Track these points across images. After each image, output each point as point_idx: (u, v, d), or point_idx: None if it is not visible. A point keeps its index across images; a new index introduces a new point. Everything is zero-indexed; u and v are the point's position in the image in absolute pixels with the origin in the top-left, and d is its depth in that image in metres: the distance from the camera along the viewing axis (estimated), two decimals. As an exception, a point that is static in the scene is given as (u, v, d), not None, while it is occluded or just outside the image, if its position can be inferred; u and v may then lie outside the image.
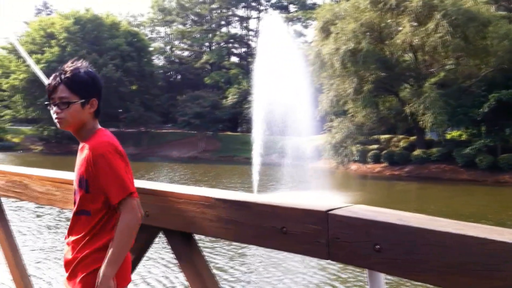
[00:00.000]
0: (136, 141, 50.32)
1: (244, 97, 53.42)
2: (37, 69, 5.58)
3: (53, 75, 2.21)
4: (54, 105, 2.16)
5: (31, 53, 44.71)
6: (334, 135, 32.29)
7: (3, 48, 56.88)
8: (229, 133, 54.30)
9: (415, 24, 29.74)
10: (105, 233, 2.22)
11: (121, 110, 53.24)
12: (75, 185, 2.27)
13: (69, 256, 2.24)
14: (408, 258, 1.66)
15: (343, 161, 32.53)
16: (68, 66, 2.21)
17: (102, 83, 2.31)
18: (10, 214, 4.69)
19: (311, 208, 1.94)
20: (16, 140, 53.32)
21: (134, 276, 2.63)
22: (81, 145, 2.26)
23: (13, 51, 54.36)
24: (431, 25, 28.43)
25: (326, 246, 1.89)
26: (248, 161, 31.71)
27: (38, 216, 15.41)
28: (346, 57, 29.81)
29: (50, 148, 50.69)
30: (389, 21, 31.81)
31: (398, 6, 29.85)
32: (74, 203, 2.29)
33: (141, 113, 52.38)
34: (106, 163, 2.12)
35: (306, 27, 67.17)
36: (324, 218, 1.89)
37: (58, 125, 2.20)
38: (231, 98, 56.42)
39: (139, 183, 2.76)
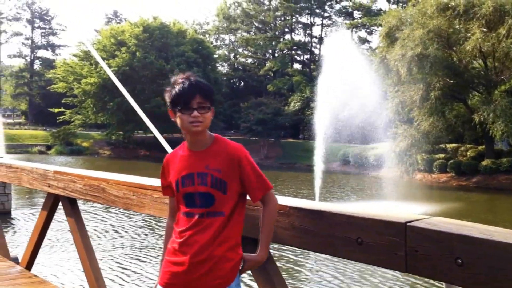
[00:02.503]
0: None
1: (307, 104, 53.28)
2: (110, 72, 5.80)
3: (183, 83, 2.30)
4: (192, 110, 2.26)
5: (102, 59, 46.29)
6: (398, 143, 31.58)
7: (75, 55, 59.32)
8: (291, 140, 54.25)
9: (485, 30, 28.75)
10: (236, 233, 2.31)
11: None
12: (200, 188, 2.28)
13: (199, 256, 2.25)
14: (492, 275, 1.62)
15: (408, 170, 31.77)
16: (191, 76, 2.32)
17: None
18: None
19: (389, 220, 1.92)
20: (85, 144, 55.35)
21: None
22: (194, 152, 2.33)
23: (84, 58, 56.69)
24: (502, 31, 27.41)
25: (404, 258, 1.87)
26: (309, 168, 31.55)
27: (103, 220, 15.92)
28: (413, 63, 29.18)
29: (117, 153, 52.30)
30: (457, 27, 30.91)
31: (467, 12, 28.94)
32: (185, 205, 2.32)
33: (205, 119, 53.21)
34: (249, 163, 2.30)
35: (370, 33, 66.37)
36: (402, 229, 1.87)
37: (194, 128, 2.27)
38: (293, 105, 56.39)
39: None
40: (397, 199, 22.08)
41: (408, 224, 1.86)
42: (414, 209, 19.04)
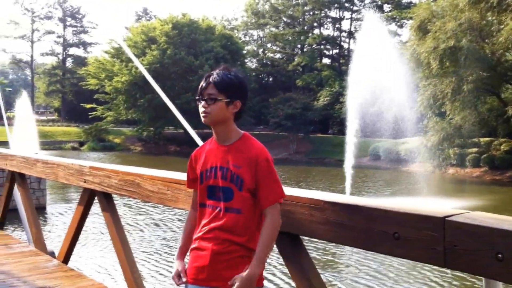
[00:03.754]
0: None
1: (336, 98, 52.94)
2: (143, 68, 5.87)
3: (205, 76, 2.40)
4: (203, 100, 2.34)
5: (135, 56, 46.79)
6: (430, 137, 31.12)
7: (107, 52, 60.13)
8: (320, 135, 54.01)
9: (520, 21, 28.08)
10: (250, 231, 2.29)
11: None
12: (221, 182, 2.31)
13: (218, 250, 2.28)
14: (535, 269, 1.59)
15: (440, 165, 31.31)
16: (219, 69, 2.39)
17: (248, 88, 2.48)
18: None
19: (428, 214, 1.90)
20: (117, 140, 56.08)
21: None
22: (220, 146, 2.36)
23: (115, 55, 57.42)
24: (538, 22, 26.75)
25: (442, 253, 1.85)
26: (339, 163, 31.37)
27: (140, 214, 16.13)
28: (445, 56, 28.73)
29: (148, 149, 52.86)
30: (490, 19, 30.27)
31: (500, 3, 28.31)
32: (208, 198, 2.36)
33: (234, 115, 53.33)
34: (269, 167, 2.28)
35: (401, 26, 65.44)
36: (441, 224, 1.85)
37: (202, 119, 2.35)
38: (322, 99, 56.10)
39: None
40: (431, 194, 21.80)
41: (446, 218, 1.84)
42: (449, 204, 18.79)
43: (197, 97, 2.37)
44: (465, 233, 1.78)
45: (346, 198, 2.34)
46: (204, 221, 2.35)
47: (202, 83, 2.35)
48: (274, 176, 2.28)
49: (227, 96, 2.31)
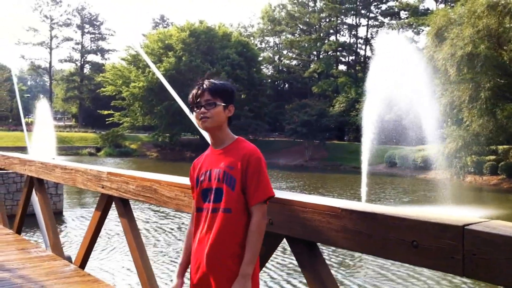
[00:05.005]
0: (244, 148, 51.29)
1: (352, 105, 52.74)
2: (160, 75, 5.92)
3: (196, 85, 2.50)
4: (200, 107, 2.43)
5: (152, 63, 47.17)
6: (447, 144, 30.85)
7: (123, 59, 60.67)
8: (335, 141, 53.84)
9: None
10: (241, 233, 2.33)
11: (230, 118, 54.65)
12: (213, 184, 2.38)
13: (210, 253, 2.34)
14: (556, 279, 1.57)
15: (457, 173, 31.00)
16: (207, 78, 2.49)
17: (235, 96, 2.56)
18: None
19: (446, 222, 1.89)
20: (133, 146, 56.47)
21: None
22: (216, 150, 2.46)
23: (132, 62, 57.90)
24: (556, 28, 26.46)
25: (461, 262, 1.84)
26: (355, 170, 31.25)
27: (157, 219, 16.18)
28: (462, 63, 28.50)
29: (164, 155, 53.12)
30: (508, 25, 29.99)
31: (518, 10, 28.08)
32: (202, 201, 2.44)
33: (250, 121, 53.43)
34: (259, 165, 2.34)
35: (417, 33, 65.14)
36: (460, 233, 1.84)
37: (202, 124, 2.44)
38: (338, 106, 55.96)
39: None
40: (448, 202, 21.59)
41: (466, 227, 1.83)
42: (466, 212, 18.58)
43: (191, 105, 2.47)
44: (485, 242, 1.77)
45: (364, 205, 2.33)
46: (201, 225, 2.42)
47: (195, 91, 2.46)
48: (263, 175, 2.33)
49: (223, 100, 2.43)
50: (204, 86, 2.44)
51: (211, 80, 2.47)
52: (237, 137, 2.49)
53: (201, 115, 2.41)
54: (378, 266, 10.75)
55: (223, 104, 2.42)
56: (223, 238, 2.32)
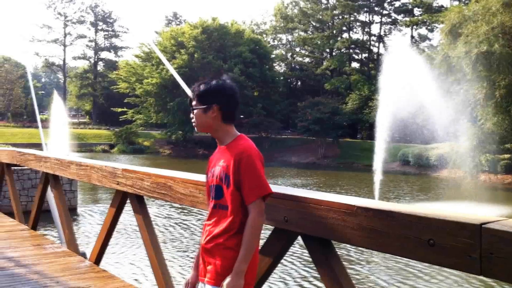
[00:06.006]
0: (257, 146, 51.02)
1: (365, 103, 52.54)
2: (174, 72, 5.93)
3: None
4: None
5: (166, 60, 47.33)
6: (461, 143, 30.67)
7: (137, 56, 60.90)
8: (348, 139, 53.65)
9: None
10: (236, 229, 2.38)
11: (242, 116, 54.71)
12: (214, 181, 2.47)
13: (207, 245, 2.45)
14: None
15: (471, 171, 30.77)
16: (213, 76, 2.58)
17: (230, 92, 2.56)
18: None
19: (463, 221, 1.88)
20: (146, 143, 56.67)
21: (271, 279, 2.69)
22: (220, 148, 2.52)
23: (146, 59, 58.13)
24: None
25: (478, 261, 1.83)
26: (368, 169, 31.10)
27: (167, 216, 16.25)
28: (477, 61, 28.26)
29: (177, 152, 53.25)
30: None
31: (534, 6, 27.79)
32: (210, 197, 2.53)
33: (262, 119, 53.41)
34: (251, 163, 2.36)
35: (431, 30, 64.65)
36: (477, 231, 1.83)
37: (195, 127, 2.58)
38: (351, 104, 55.76)
39: (278, 189, 2.84)
40: (463, 201, 21.44)
41: (483, 226, 1.82)
42: (482, 211, 18.44)
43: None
44: (502, 241, 1.76)
45: (380, 203, 2.32)
46: (208, 219, 2.52)
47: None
48: (257, 172, 2.35)
49: (203, 103, 2.49)
50: (193, 91, 2.54)
51: (202, 81, 2.54)
52: (238, 134, 2.53)
53: (191, 120, 2.56)
54: (394, 261, 10.73)
55: (202, 107, 2.48)
56: (218, 233, 2.39)
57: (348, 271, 2.66)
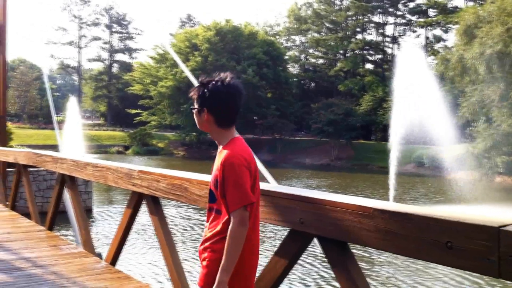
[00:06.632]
0: (270, 147, 51.38)
1: (379, 104, 52.29)
2: (189, 73, 5.96)
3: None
4: None
5: (181, 62, 47.46)
6: (476, 144, 30.41)
7: (151, 57, 61.19)
8: (362, 141, 53.42)
9: None
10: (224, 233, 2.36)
11: (255, 118, 54.74)
12: (210, 185, 2.47)
13: (201, 243, 2.48)
14: None
15: (487, 173, 30.48)
16: (223, 77, 2.48)
17: (224, 97, 2.43)
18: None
19: (482, 223, 1.87)
20: (161, 145, 56.89)
21: (288, 279, 2.69)
22: (219, 149, 2.49)
23: (160, 60, 58.38)
24: None
25: (497, 263, 1.82)
26: (382, 170, 30.97)
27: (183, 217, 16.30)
28: (492, 61, 28.03)
29: (191, 153, 53.39)
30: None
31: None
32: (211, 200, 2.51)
33: (276, 120, 53.40)
34: (233, 171, 2.29)
35: (446, 31, 64.21)
36: (495, 234, 1.82)
37: None
38: (365, 105, 55.53)
39: (293, 190, 2.84)
40: (479, 203, 21.24)
41: (502, 228, 1.81)
42: (499, 213, 18.26)
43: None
44: (521, 244, 1.75)
45: (396, 206, 2.32)
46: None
47: None
48: (239, 181, 2.27)
49: (197, 105, 2.47)
50: (192, 91, 2.53)
51: (202, 82, 2.51)
52: (233, 137, 2.45)
53: None
54: (413, 263, 10.66)
55: (195, 108, 2.49)
56: (209, 237, 2.40)
57: (367, 272, 2.65)
